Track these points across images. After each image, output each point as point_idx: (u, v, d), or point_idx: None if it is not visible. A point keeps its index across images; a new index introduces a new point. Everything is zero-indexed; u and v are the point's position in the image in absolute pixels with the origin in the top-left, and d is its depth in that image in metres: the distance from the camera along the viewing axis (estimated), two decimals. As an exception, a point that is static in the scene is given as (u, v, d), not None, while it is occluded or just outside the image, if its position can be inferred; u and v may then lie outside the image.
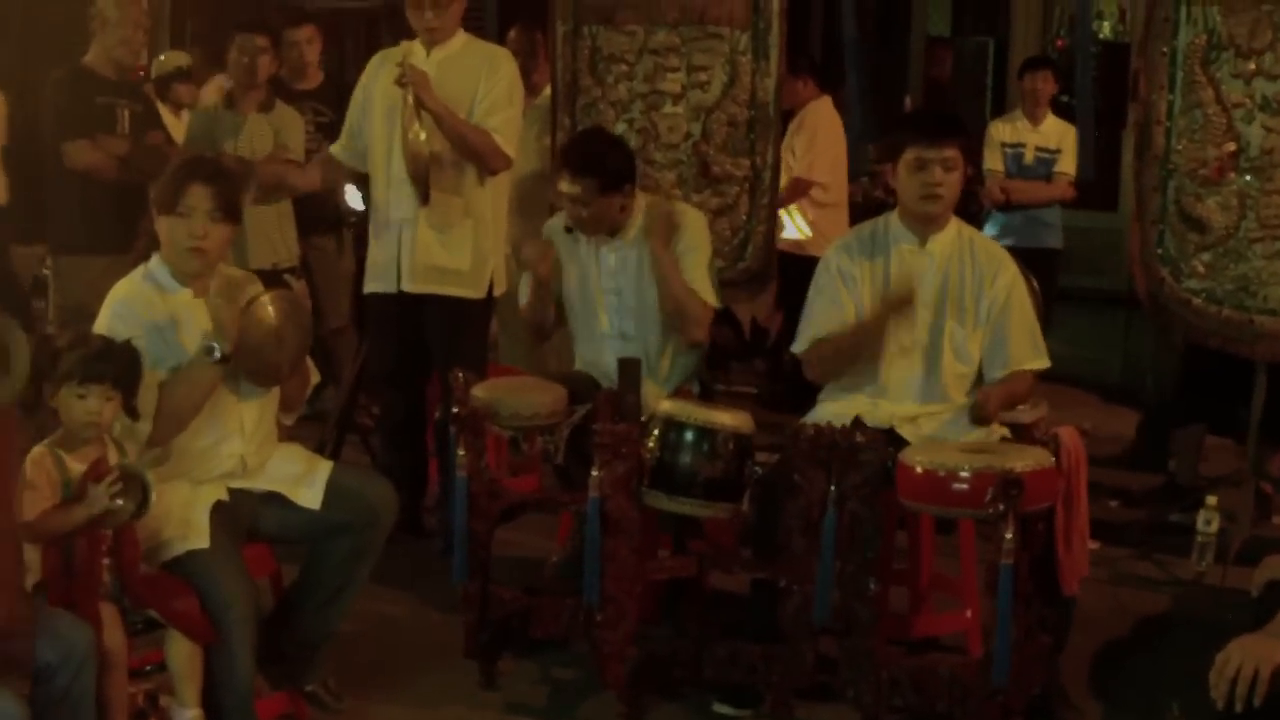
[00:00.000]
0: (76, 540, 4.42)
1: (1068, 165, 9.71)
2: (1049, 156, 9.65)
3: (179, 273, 5.02)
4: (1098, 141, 10.32)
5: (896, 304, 5.53)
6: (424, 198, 6.71)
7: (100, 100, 7.72)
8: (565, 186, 6.10)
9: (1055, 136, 9.76)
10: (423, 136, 6.60)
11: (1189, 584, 6.80)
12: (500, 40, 8.35)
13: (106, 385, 4.57)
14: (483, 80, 6.80)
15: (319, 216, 8.66)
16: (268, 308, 4.93)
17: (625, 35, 7.38)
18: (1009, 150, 9.56)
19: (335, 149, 7.21)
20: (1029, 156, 9.60)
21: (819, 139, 9.47)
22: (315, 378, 5.42)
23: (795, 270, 8.11)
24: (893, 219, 5.76)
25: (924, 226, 5.66)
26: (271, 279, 5.98)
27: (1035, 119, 9.76)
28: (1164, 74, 6.80)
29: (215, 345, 4.81)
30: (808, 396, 5.95)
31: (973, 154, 5.79)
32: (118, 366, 4.61)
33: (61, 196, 7.82)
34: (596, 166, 6.07)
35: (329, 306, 9.01)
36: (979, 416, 5.48)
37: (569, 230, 6.22)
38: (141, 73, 8.33)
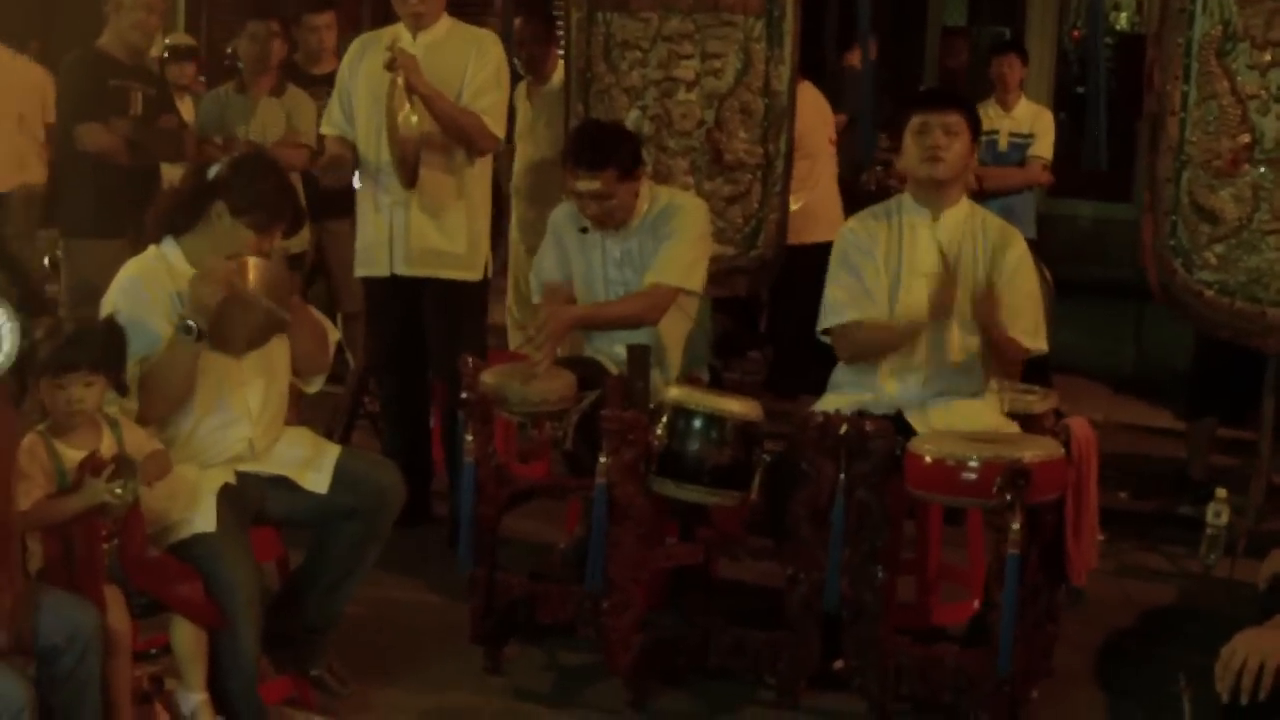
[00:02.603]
0: (75, 526, 4.41)
1: (1043, 149, 9.56)
2: (1023, 141, 9.54)
3: (185, 252, 5.01)
4: (1113, 132, 10.25)
5: (940, 309, 5.52)
6: (410, 181, 6.67)
7: (113, 83, 7.72)
8: (584, 185, 6.00)
9: (1028, 121, 9.66)
10: (414, 120, 6.58)
11: (1197, 577, 6.80)
12: (511, 28, 8.34)
13: (83, 372, 4.51)
14: (471, 63, 6.77)
15: (332, 200, 8.64)
16: (246, 270, 4.87)
17: (639, 22, 7.39)
18: (982, 138, 9.45)
19: (333, 130, 7.11)
20: (1003, 143, 9.50)
21: None
22: (334, 335, 5.39)
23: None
24: (905, 197, 5.80)
25: (935, 200, 5.68)
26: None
27: (1006, 104, 9.66)
28: (1179, 65, 6.78)
29: (191, 323, 4.77)
30: (811, 380, 5.96)
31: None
32: (92, 350, 4.57)
33: (73, 179, 7.84)
34: (611, 156, 6.02)
35: (343, 291, 9.01)
36: (979, 312, 5.47)
37: (585, 231, 6.18)
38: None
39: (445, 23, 6.91)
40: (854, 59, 10.88)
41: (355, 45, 7.07)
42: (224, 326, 4.87)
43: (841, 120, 10.46)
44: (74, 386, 4.51)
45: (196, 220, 5.02)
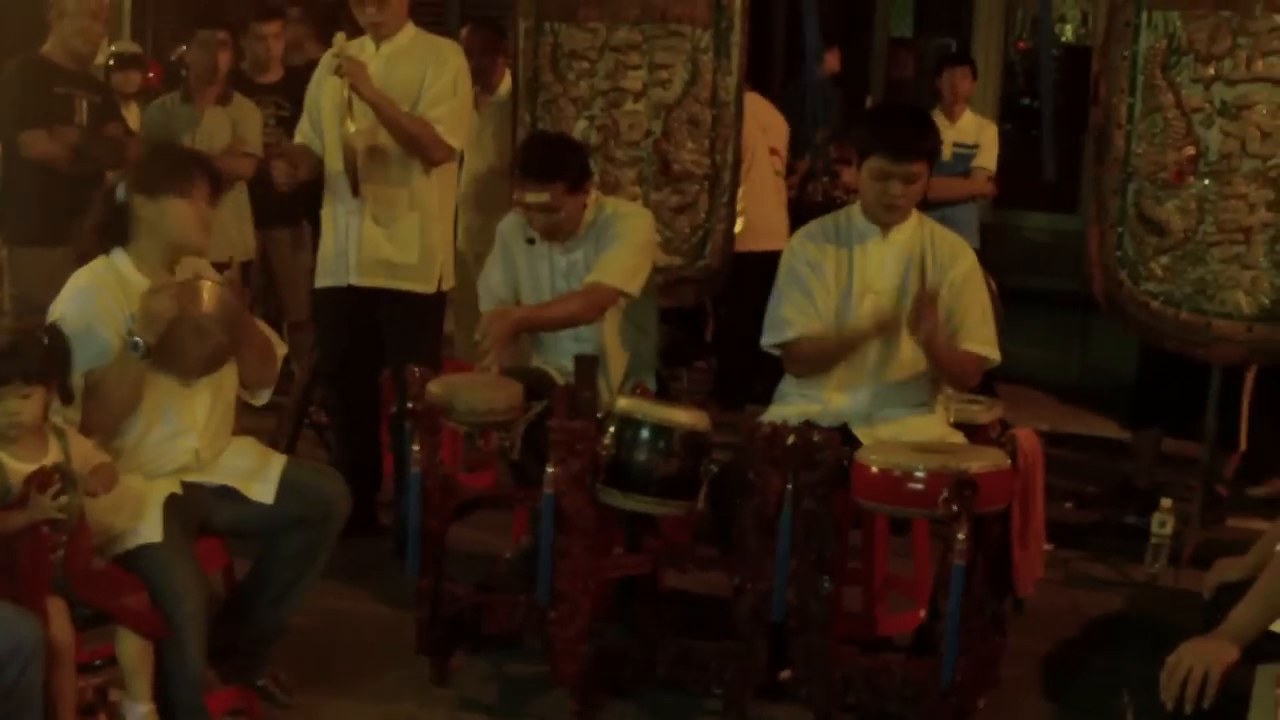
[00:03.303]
0: (20, 539, 4.36)
1: (987, 160, 9.62)
2: (966, 152, 9.58)
3: (137, 259, 4.97)
4: (1058, 144, 10.29)
5: (888, 325, 5.51)
6: (353, 189, 6.68)
7: (58, 90, 7.67)
8: (532, 197, 5.99)
9: (973, 132, 9.70)
10: (352, 129, 6.57)
11: (1142, 586, 6.82)
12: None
13: (17, 384, 4.47)
14: (429, 71, 6.75)
15: (277, 209, 8.63)
16: (201, 294, 4.88)
17: (587, 32, 7.38)
18: None
19: (302, 140, 7.07)
20: (947, 153, 9.54)
21: None
22: (282, 349, 5.38)
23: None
24: (854, 211, 5.77)
25: (886, 221, 5.65)
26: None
27: (952, 115, 9.70)
28: (1125, 78, 6.84)
29: (138, 339, 4.76)
30: (757, 390, 5.96)
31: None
32: (27, 362, 4.53)
33: (17, 187, 7.78)
34: (560, 169, 6.00)
35: (288, 300, 9.01)
36: (916, 320, 5.41)
37: (531, 241, 6.17)
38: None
39: (409, 32, 6.88)
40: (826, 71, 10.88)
41: (326, 57, 7.02)
42: (177, 350, 4.86)
43: (826, 134, 10.48)
44: (9, 399, 4.47)
45: (129, 228, 5.00)
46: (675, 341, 8.79)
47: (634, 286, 6.10)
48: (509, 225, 6.33)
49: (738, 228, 8.21)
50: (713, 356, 10.01)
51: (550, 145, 6.22)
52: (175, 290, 4.81)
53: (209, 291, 4.87)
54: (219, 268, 5.56)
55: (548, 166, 5.99)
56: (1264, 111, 6.65)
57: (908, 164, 5.56)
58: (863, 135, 5.74)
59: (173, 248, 4.99)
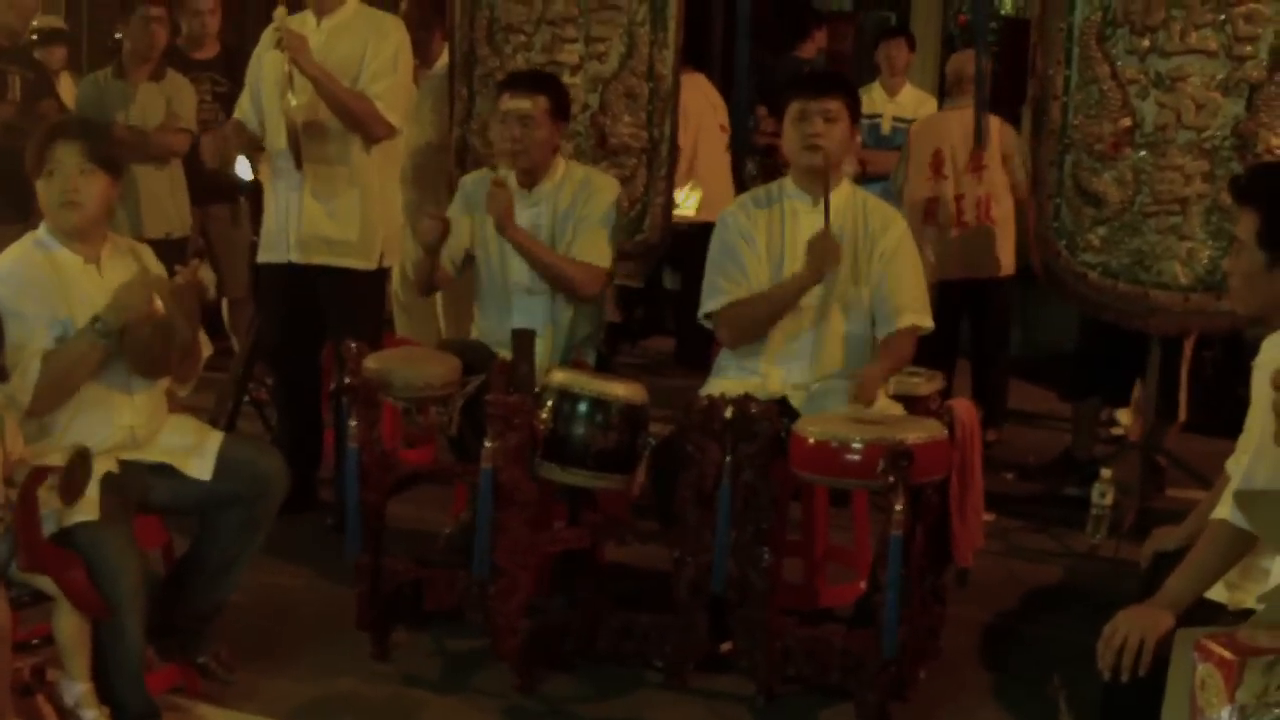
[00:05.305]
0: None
1: None
2: (906, 126, 9.63)
3: (61, 235, 4.96)
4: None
5: (816, 274, 5.52)
6: (297, 163, 6.66)
7: (-11, 66, 7.63)
8: (513, 103, 6.00)
9: (912, 106, 9.76)
10: (294, 102, 6.55)
11: (1082, 556, 6.86)
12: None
13: None
14: (370, 47, 6.72)
15: (215, 185, 8.58)
16: (166, 295, 4.87)
17: (523, 5, 7.37)
18: (865, 121, 9.45)
19: (239, 116, 7.05)
20: (886, 126, 9.59)
21: None
22: (208, 350, 5.37)
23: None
24: (786, 181, 5.80)
25: (816, 185, 5.65)
26: (165, 249, 5.91)
27: (891, 89, 9.76)
28: (1060, 49, 6.87)
29: (104, 321, 4.75)
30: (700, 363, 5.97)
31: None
32: None
33: (-49, 165, 7.72)
34: (550, 85, 6.11)
35: (227, 276, 8.96)
36: (859, 398, 5.43)
37: (499, 184, 6.09)
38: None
39: (351, 6, 6.86)
40: (806, 51, 10.85)
41: (266, 33, 6.97)
42: (144, 350, 4.89)
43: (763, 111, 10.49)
44: None
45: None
46: (632, 318, 8.80)
47: (612, 265, 6.22)
48: (471, 178, 6.35)
49: (697, 203, 8.26)
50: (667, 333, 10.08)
51: (542, 70, 6.29)
52: (148, 284, 4.84)
53: (168, 296, 4.87)
54: (155, 244, 5.55)
55: (538, 80, 6.13)
56: (1197, 83, 6.68)
57: (824, 99, 5.60)
58: (782, 92, 5.78)
59: (56, 227, 4.99)
